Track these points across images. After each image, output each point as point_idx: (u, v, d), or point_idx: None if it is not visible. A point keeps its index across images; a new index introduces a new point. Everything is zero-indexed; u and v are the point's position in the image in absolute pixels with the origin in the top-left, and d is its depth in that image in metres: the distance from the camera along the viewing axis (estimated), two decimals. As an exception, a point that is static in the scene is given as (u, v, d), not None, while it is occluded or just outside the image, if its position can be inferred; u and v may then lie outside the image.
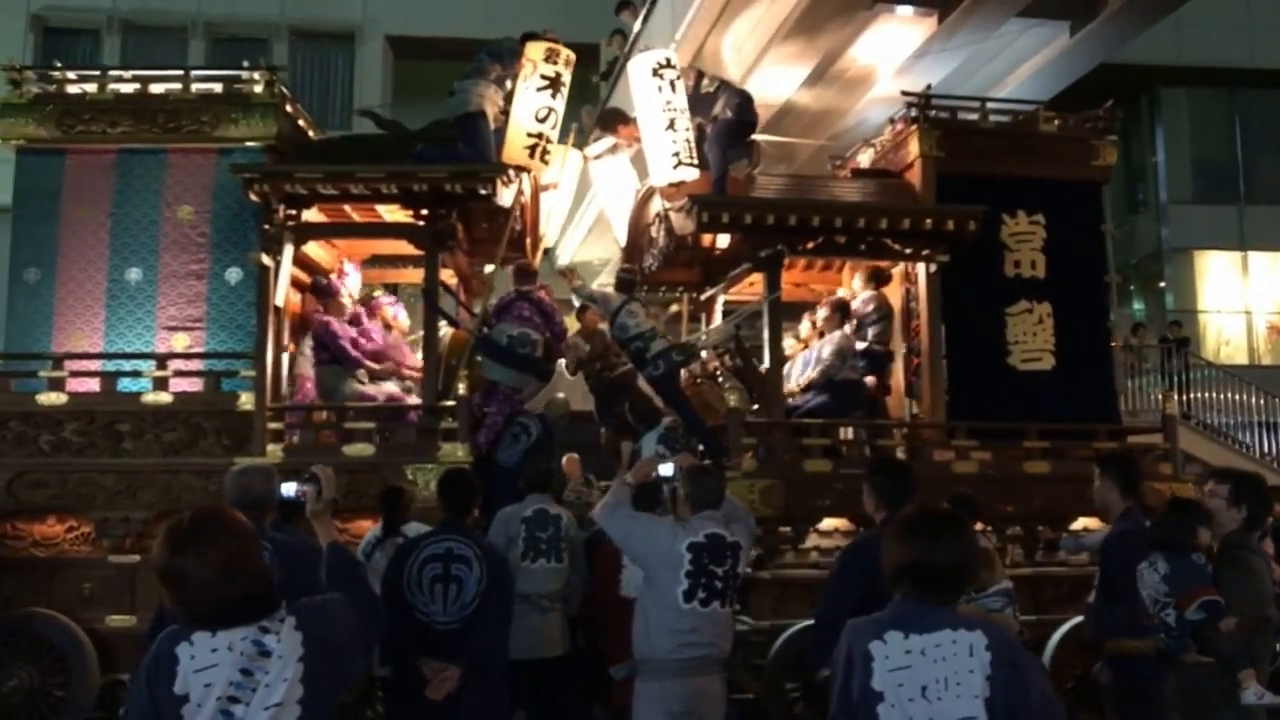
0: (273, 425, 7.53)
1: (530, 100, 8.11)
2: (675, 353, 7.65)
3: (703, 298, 9.91)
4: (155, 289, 7.85)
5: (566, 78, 8.26)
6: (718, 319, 9.66)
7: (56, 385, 7.49)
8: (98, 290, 7.85)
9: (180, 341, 7.79)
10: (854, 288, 9.11)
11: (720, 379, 8.89)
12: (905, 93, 8.57)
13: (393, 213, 8.41)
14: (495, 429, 7.72)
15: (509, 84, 8.22)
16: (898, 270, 8.78)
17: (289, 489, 3.61)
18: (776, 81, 11.71)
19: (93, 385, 7.62)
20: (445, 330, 8.21)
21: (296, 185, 7.46)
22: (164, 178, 7.97)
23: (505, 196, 7.91)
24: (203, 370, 7.66)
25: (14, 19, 20.00)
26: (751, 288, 9.57)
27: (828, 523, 7.67)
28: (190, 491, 7.35)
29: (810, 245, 7.94)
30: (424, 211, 7.79)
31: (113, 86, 8.03)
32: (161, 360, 7.58)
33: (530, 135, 8.09)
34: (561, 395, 8.51)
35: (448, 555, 4.83)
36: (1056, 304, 8.39)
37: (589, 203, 12.71)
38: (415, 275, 9.66)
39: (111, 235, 7.90)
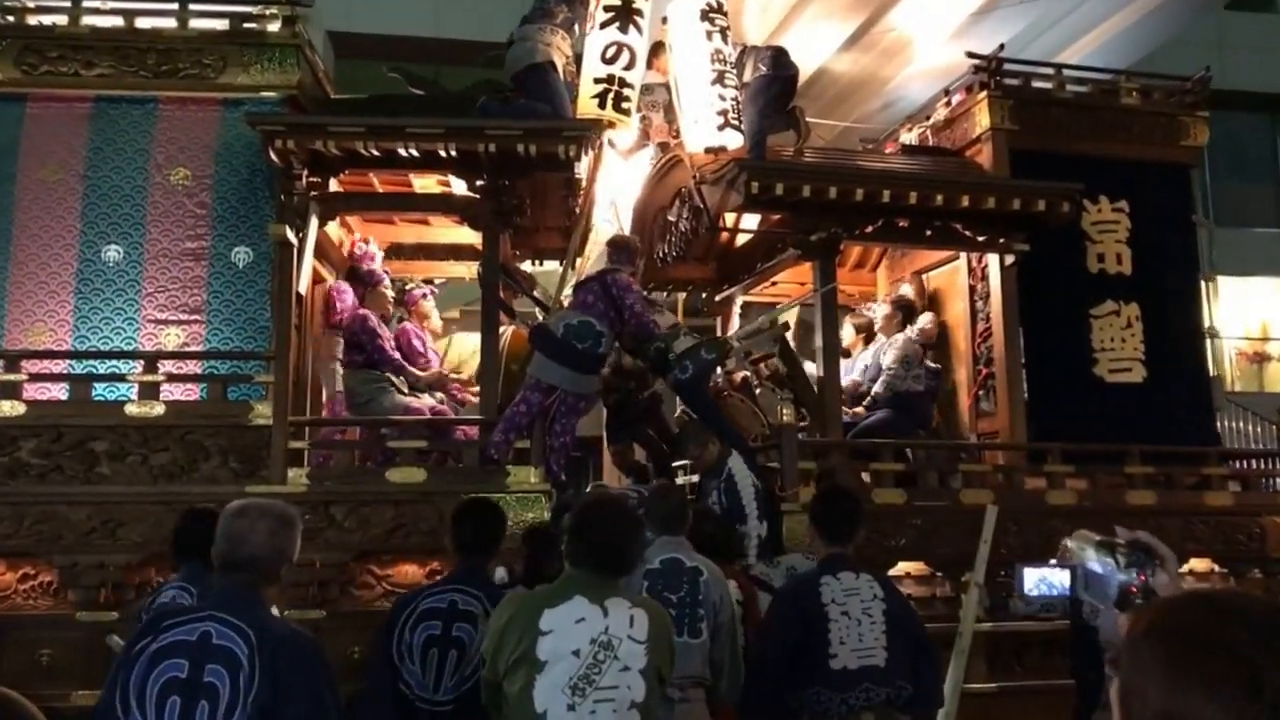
0: (294, 444, 5.94)
1: (596, 38, 6.66)
2: (705, 350, 6.05)
3: (718, 297, 8.52)
4: (140, 272, 6.21)
5: (644, 6, 6.79)
6: (735, 323, 8.30)
7: (10, 391, 5.84)
8: (65, 273, 6.19)
9: (173, 338, 6.16)
10: (905, 291, 7.74)
11: (757, 389, 7.48)
12: (972, 54, 7.31)
13: (426, 185, 6.93)
14: (567, 450, 6.22)
15: (578, 28, 6.77)
16: (948, 270, 7.52)
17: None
18: (807, 46, 10.14)
19: (59, 392, 5.98)
20: (504, 328, 6.69)
21: (330, 143, 5.91)
22: (153, 133, 6.36)
23: (582, 166, 6.44)
24: (203, 374, 6.06)
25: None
26: (773, 288, 8.28)
27: (900, 567, 6.32)
28: (187, 529, 5.71)
29: (869, 229, 6.60)
30: (480, 182, 6.30)
31: (89, 20, 6.40)
32: (150, 361, 5.96)
33: (598, 80, 6.60)
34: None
35: (451, 611, 3.75)
36: (1145, 305, 7.22)
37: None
38: (442, 268, 8.16)
39: (84, 203, 6.26)
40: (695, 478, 7.14)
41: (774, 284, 8.20)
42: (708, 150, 6.68)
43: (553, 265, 8.73)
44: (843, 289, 8.38)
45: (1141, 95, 7.41)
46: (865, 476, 6.24)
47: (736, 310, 8.24)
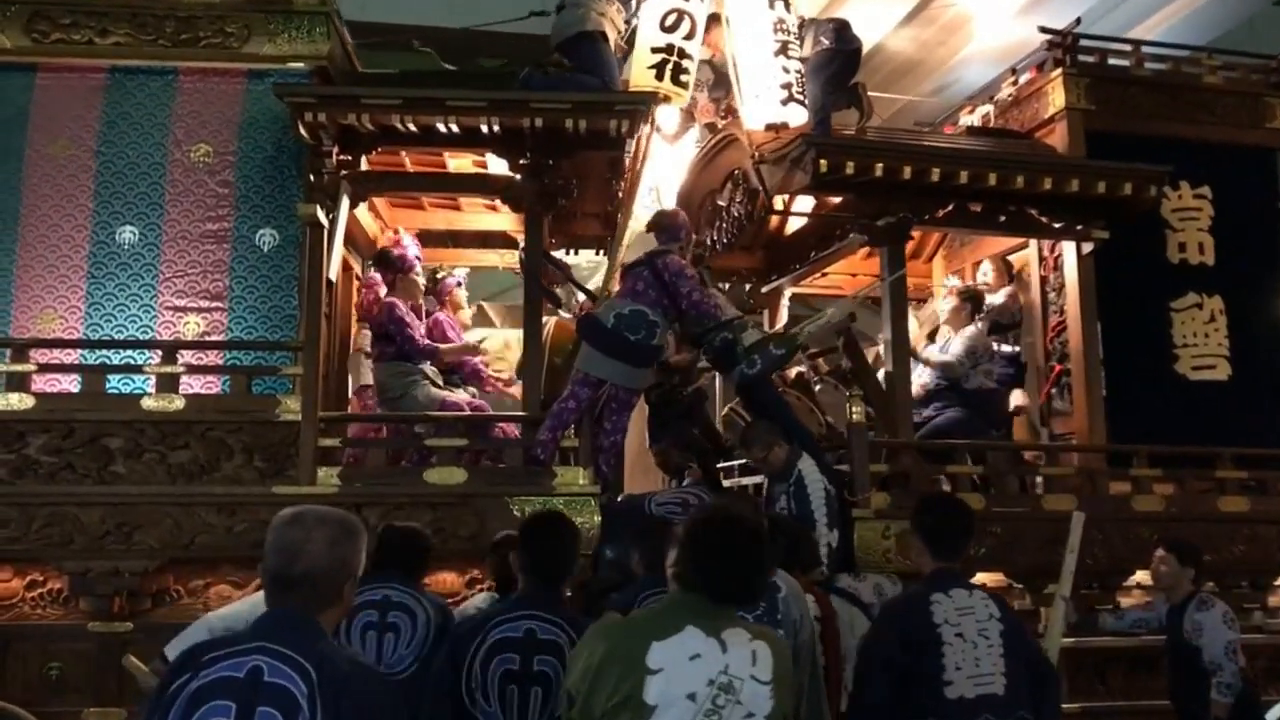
0: (324, 442, 5.50)
1: (654, 4, 6.20)
2: (775, 345, 5.62)
3: (765, 289, 8.04)
4: (158, 255, 5.76)
5: None
6: (783, 316, 7.82)
7: (18, 383, 5.40)
8: (77, 256, 5.74)
9: (193, 326, 5.71)
10: (981, 277, 7.27)
11: (817, 386, 7.01)
12: (1046, 29, 6.82)
13: (460, 166, 6.48)
14: (618, 450, 5.77)
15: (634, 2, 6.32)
16: (1014, 260, 7.05)
17: None
18: (862, 21, 9.58)
19: (70, 384, 5.55)
20: (547, 320, 6.22)
21: (364, 117, 5.46)
22: (172, 106, 5.91)
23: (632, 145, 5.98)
24: (225, 365, 5.61)
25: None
26: (822, 279, 7.81)
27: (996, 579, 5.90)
28: (208, 533, 5.32)
29: (939, 214, 6.12)
30: (522, 161, 5.84)
31: (104, -17, 5.96)
32: (169, 351, 5.52)
33: (655, 50, 6.12)
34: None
35: (529, 641, 3.21)
36: (1228, 298, 6.74)
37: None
38: (471, 256, 7.71)
39: (97, 182, 5.81)
40: (746, 481, 6.70)
41: (824, 275, 7.75)
42: (769, 127, 6.21)
43: (587, 255, 8.30)
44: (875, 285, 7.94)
45: (1223, 74, 6.91)
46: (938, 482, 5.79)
47: (784, 303, 7.77)
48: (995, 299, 6.96)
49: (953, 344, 6.46)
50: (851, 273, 7.88)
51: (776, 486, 5.34)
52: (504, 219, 7.65)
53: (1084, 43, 6.67)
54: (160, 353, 5.52)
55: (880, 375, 6.14)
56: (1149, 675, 5.69)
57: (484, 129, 5.58)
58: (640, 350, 5.43)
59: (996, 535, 5.65)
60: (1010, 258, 7.19)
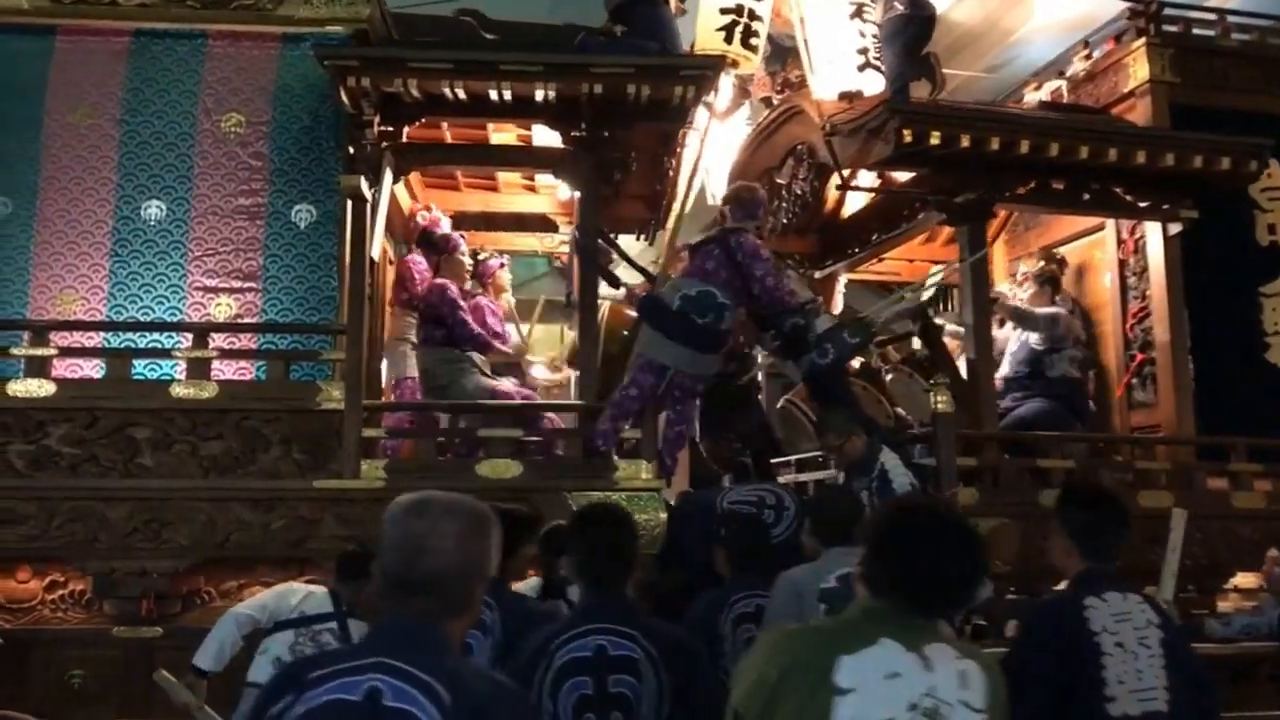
0: (369, 432, 5.10)
1: None
2: (850, 332, 5.19)
3: (818, 274, 7.63)
4: (186, 232, 5.37)
5: None
6: (838, 303, 7.41)
7: (37, 368, 5.00)
8: (100, 232, 5.35)
9: (224, 308, 5.31)
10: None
11: (888, 375, 6.61)
12: None
13: (503, 140, 6.11)
14: (683, 441, 5.38)
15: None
16: (1087, 244, 6.66)
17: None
18: None
19: (93, 370, 5.14)
20: (601, 303, 5.82)
21: (411, 83, 5.06)
22: (201, 73, 5.52)
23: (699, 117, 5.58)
24: (261, 349, 5.21)
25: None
26: (879, 264, 7.42)
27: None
28: (243, 530, 4.91)
29: (1020, 191, 5.74)
30: (576, 133, 5.45)
31: (128, -59, 5.55)
32: (200, 334, 5.11)
33: (725, 10, 5.72)
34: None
35: (600, 660, 2.74)
36: None
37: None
38: (506, 240, 7.31)
39: (121, 153, 5.42)
40: (804, 477, 6.30)
41: (880, 260, 7.36)
42: (842, 96, 5.81)
43: (626, 240, 7.89)
44: (936, 262, 7.56)
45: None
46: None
47: (840, 289, 7.37)
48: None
49: (1034, 330, 6.05)
50: (909, 258, 7.50)
51: (856, 481, 4.94)
52: (543, 200, 7.29)
53: (1167, 11, 6.27)
54: (190, 336, 5.12)
55: (960, 363, 5.75)
56: (1249, 684, 5.31)
57: (539, 96, 5.19)
58: (708, 334, 5.03)
59: (1091, 535, 5.24)
60: (1065, 250, 6.78)
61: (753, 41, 5.79)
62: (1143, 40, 6.16)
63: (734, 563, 4.02)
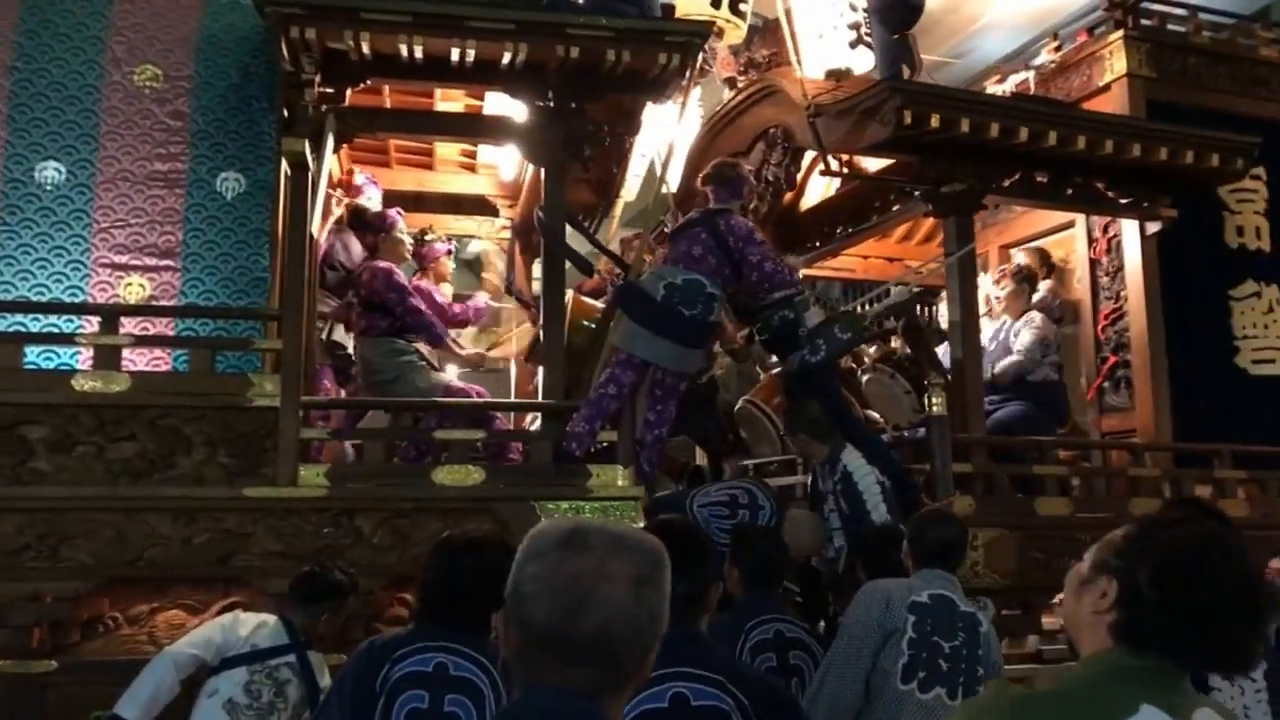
0: (308, 433, 4.47)
1: None
2: (840, 328, 4.83)
3: None
4: (91, 200, 4.63)
5: None
6: None
7: (-94, 355, 4.21)
8: (-16, 197, 4.57)
9: (136, 288, 4.60)
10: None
11: (864, 376, 6.29)
12: None
13: (449, 105, 5.57)
14: (662, 444, 4.92)
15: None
16: (1055, 242, 6.50)
17: None
18: None
19: (-23, 357, 4.36)
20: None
21: (364, 37, 4.45)
22: (109, 16, 4.79)
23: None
24: (180, 336, 4.52)
25: None
26: (833, 259, 7.13)
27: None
28: (160, 546, 4.22)
29: (1005, 183, 5.48)
30: (541, 104, 4.93)
31: None
32: (108, 317, 4.39)
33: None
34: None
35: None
36: None
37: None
38: (438, 223, 6.70)
39: (11, 105, 4.65)
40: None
41: (836, 255, 7.03)
42: (829, 74, 5.43)
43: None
44: (909, 264, 7.32)
45: (1278, 47, 6.47)
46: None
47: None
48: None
49: (1021, 335, 5.79)
50: (864, 254, 7.19)
51: (823, 483, 4.58)
52: (483, 181, 6.73)
53: (1144, 5, 6.10)
54: (97, 320, 4.39)
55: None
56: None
57: (505, 59, 4.64)
58: (696, 327, 4.58)
59: (1086, 545, 4.95)
60: (1040, 244, 6.59)
61: (742, 8, 5.35)
62: (1120, 33, 5.97)
63: (748, 578, 3.59)
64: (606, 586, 1.26)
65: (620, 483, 4.57)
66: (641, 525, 4.44)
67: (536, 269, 6.93)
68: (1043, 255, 6.44)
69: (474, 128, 5.36)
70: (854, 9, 5.50)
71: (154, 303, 4.56)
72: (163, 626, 4.36)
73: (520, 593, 1.30)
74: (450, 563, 2.85)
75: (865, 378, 5.63)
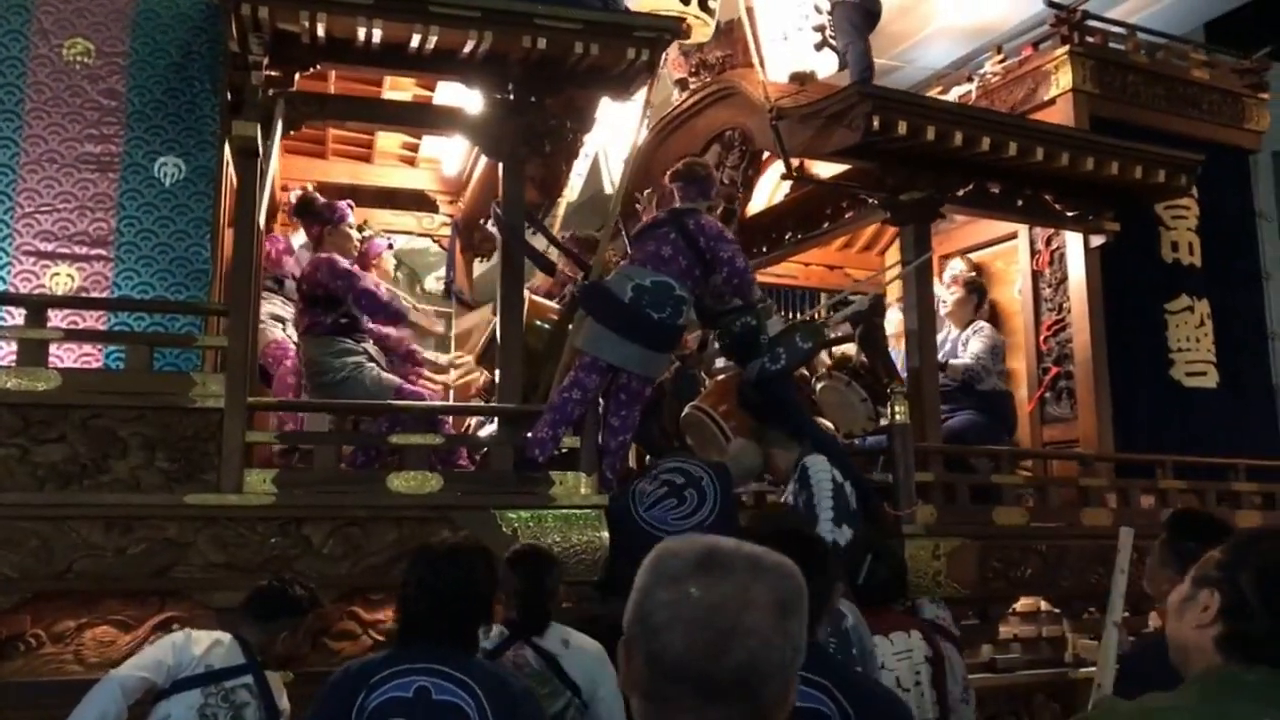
0: (254, 436, 4.20)
1: None
2: (801, 337, 4.73)
3: None
4: (14, 183, 4.28)
5: None
6: None
7: None
8: (-108, 176, 4.18)
9: (63, 279, 4.27)
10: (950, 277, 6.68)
11: (818, 384, 6.25)
12: (1053, 3, 6.34)
13: (396, 95, 5.38)
14: (626, 451, 4.78)
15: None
16: (995, 253, 6.61)
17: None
18: None
19: (-116, 351, 3.99)
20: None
21: (320, 20, 4.21)
22: (36, -14, 4.44)
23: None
24: (114, 330, 4.21)
25: None
26: (775, 266, 7.12)
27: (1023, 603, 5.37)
28: (91, 557, 3.91)
29: (960, 193, 5.53)
30: (500, 96, 4.76)
31: None
32: (34, 310, 4.06)
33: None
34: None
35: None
36: (1214, 302, 6.45)
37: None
38: (372, 218, 6.44)
39: (-75, 78, 4.27)
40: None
41: (780, 262, 6.99)
42: (793, 77, 5.36)
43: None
44: (850, 272, 7.35)
45: (1208, 69, 6.65)
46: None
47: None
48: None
49: (971, 343, 5.82)
50: (806, 262, 7.17)
51: (797, 494, 4.50)
52: (423, 176, 6.51)
53: (1088, 22, 6.21)
54: (23, 312, 4.05)
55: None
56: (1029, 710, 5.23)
57: (468, 49, 4.45)
58: (664, 331, 4.45)
59: (1041, 554, 5.03)
60: (974, 256, 6.66)
61: (710, 4, 5.24)
62: (1066, 48, 6.06)
63: None
64: (749, 616, 1.13)
65: (583, 490, 4.41)
66: (604, 535, 4.34)
67: (477, 268, 6.81)
68: (977, 268, 6.50)
69: (428, 119, 5.13)
70: (819, 11, 5.45)
71: (85, 294, 4.23)
72: (91, 644, 4.05)
73: (651, 623, 1.16)
74: (432, 573, 2.70)
75: (820, 385, 5.58)
